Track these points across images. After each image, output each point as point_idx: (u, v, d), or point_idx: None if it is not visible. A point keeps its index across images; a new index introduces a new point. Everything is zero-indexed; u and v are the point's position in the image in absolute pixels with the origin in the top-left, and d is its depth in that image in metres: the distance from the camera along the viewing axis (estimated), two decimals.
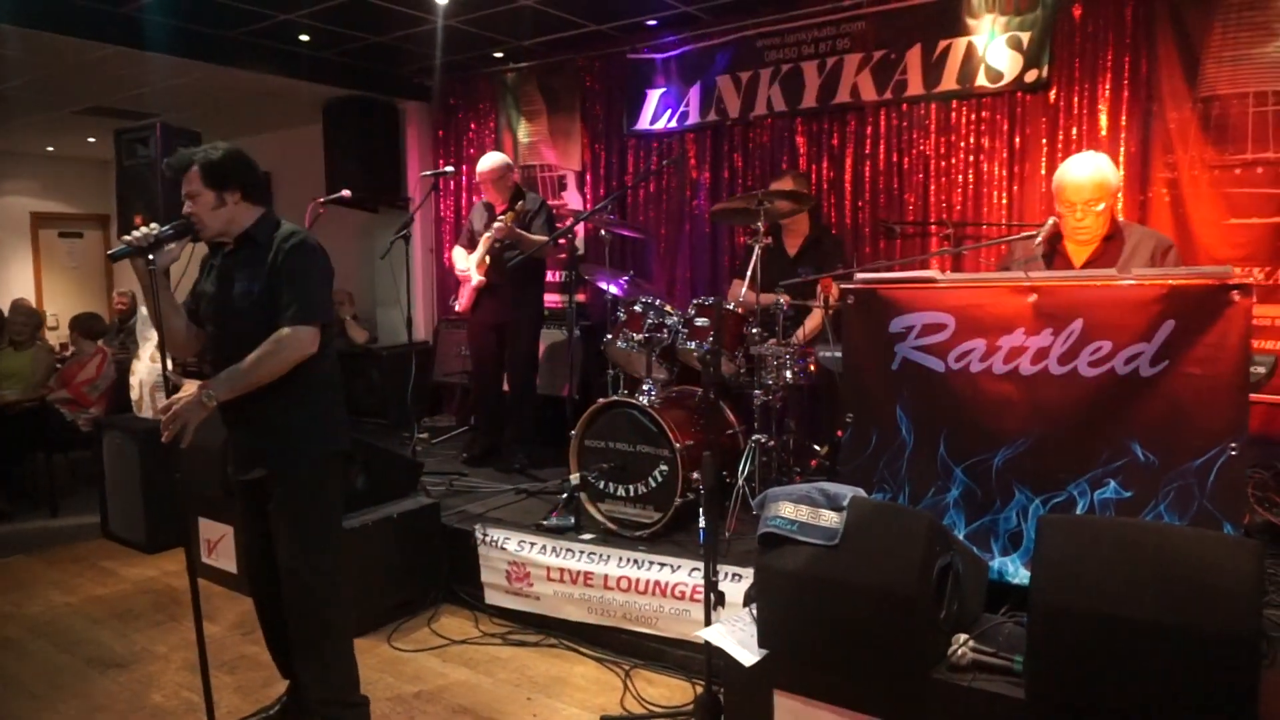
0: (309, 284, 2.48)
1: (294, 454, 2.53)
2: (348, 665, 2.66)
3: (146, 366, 4.74)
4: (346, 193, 4.57)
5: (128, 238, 2.37)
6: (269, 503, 2.55)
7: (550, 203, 6.04)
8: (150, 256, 2.36)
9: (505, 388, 4.90)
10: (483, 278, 4.59)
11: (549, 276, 6.04)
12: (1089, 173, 2.89)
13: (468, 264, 4.66)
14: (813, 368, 3.72)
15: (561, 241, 4.54)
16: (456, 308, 4.88)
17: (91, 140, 8.26)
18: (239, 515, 2.74)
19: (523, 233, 4.44)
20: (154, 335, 4.75)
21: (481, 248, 4.57)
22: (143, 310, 4.96)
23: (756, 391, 3.63)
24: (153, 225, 2.40)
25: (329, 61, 6.14)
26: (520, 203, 4.53)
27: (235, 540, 3.97)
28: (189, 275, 2.66)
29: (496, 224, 4.37)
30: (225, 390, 2.38)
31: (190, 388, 2.37)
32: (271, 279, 2.47)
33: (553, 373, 5.41)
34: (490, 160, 4.66)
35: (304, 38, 5.64)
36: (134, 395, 4.81)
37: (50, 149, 8.97)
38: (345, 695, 2.64)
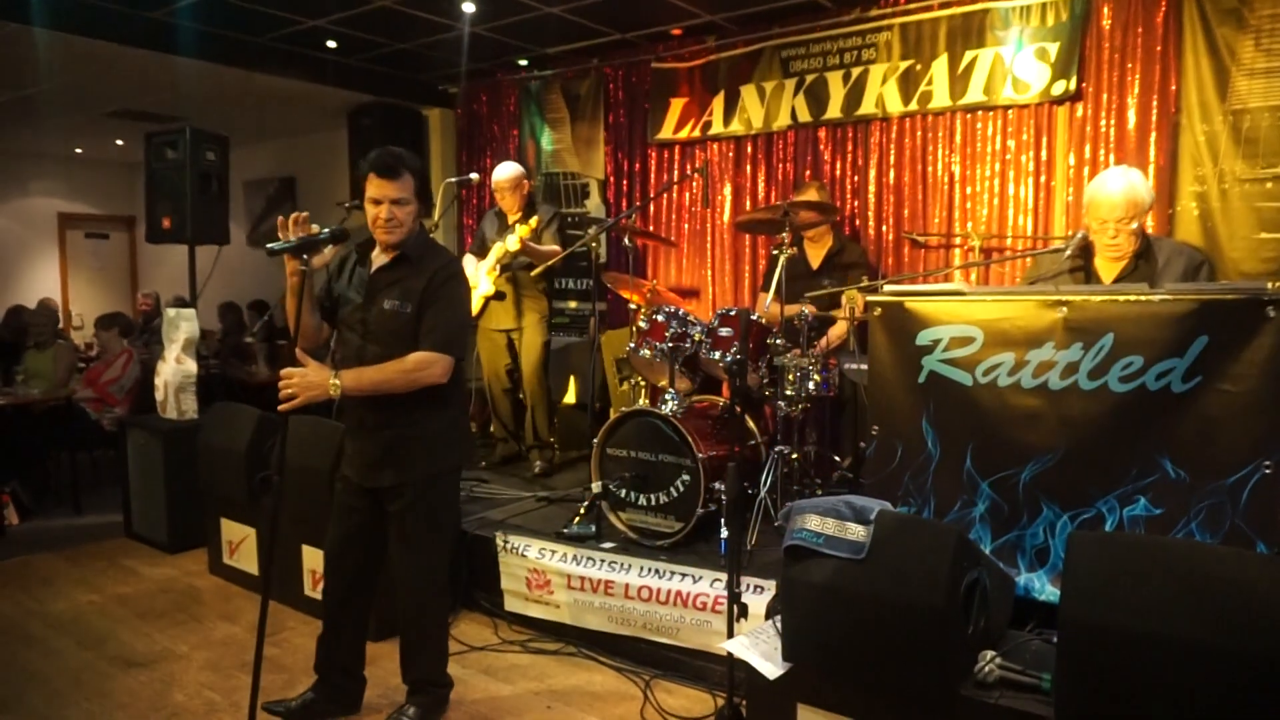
0: (455, 317, 2.62)
1: (421, 467, 2.63)
2: (445, 652, 2.89)
3: (171, 368, 4.78)
4: None
5: (286, 235, 2.46)
6: (387, 513, 2.67)
7: (572, 211, 6.07)
8: (304, 256, 2.45)
9: (520, 395, 4.92)
10: (492, 286, 4.62)
11: (568, 283, 6.07)
12: (1122, 190, 2.85)
13: (477, 271, 4.68)
14: (836, 379, 3.71)
15: (581, 249, 4.56)
16: None
17: (119, 142, 8.37)
18: (335, 512, 2.79)
19: (535, 246, 4.47)
20: (179, 337, 4.80)
21: (493, 257, 4.60)
22: (168, 312, 5.00)
23: (779, 402, 3.62)
24: (314, 226, 2.49)
25: (355, 68, 6.20)
26: (535, 217, 4.55)
27: (257, 542, 3.99)
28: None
29: (511, 238, 4.40)
30: (352, 385, 2.49)
31: (316, 369, 2.47)
32: (423, 300, 2.55)
33: (574, 380, 5.42)
34: (506, 170, 4.68)
35: (331, 44, 5.70)
36: (158, 396, 4.85)
37: (78, 151, 9.10)
38: (441, 677, 2.86)
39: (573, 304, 6.11)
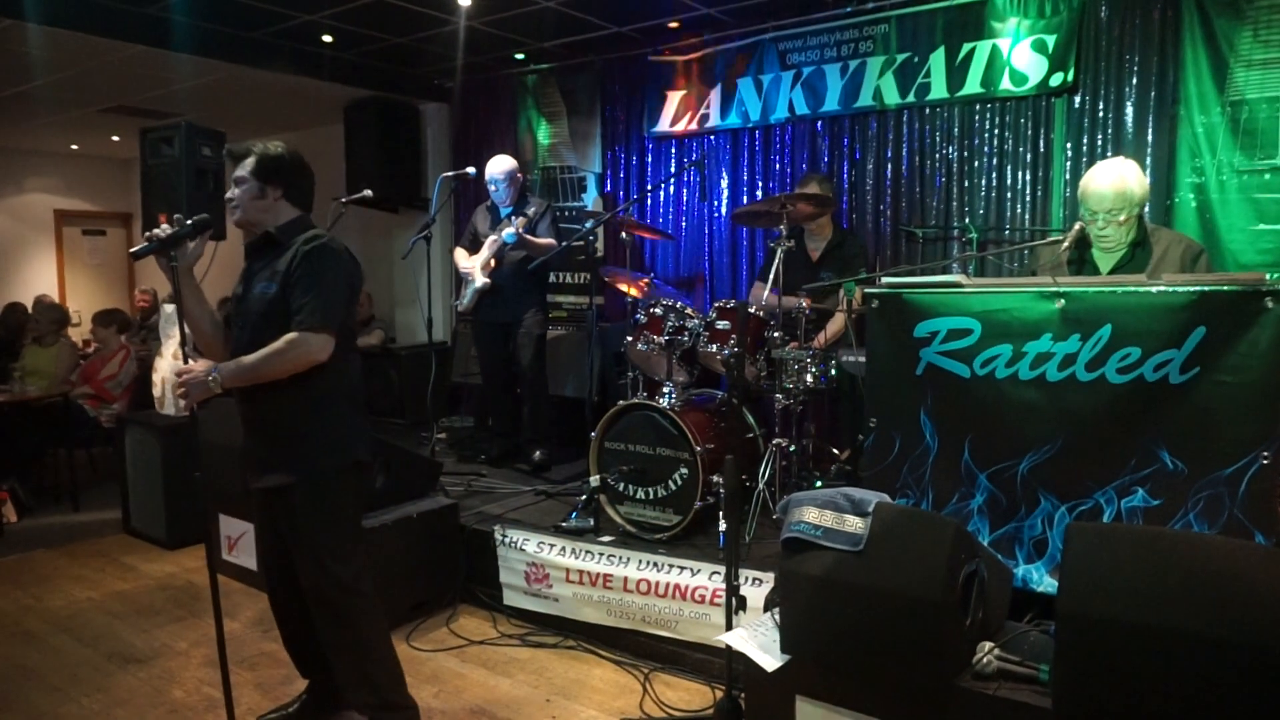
0: (324, 289, 2.45)
1: (307, 464, 2.48)
2: (389, 667, 2.64)
3: (169, 364, 4.77)
4: (368, 193, 4.59)
5: (150, 232, 2.38)
6: (283, 512, 2.52)
7: (569, 204, 6.07)
8: (172, 254, 2.37)
9: (517, 388, 4.92)
10: (487, 280, 4.62)
11: (565, 277, 6.07)
12: (1111, 182, 2.85)
13: (471, 265, 4.68)
14: (834, 372, 3.71)
15: (577, 243, 4.56)
16: (458, 308, 4.91)
17: (115, 138, 8.35)
18: (255, 519, 2.73)
19: (530, 238, 4.47)
20: (176, 333, 4.79)
21: (487, 250, 4.60)
22: (166, 308, 5.00)
23: (777, 395, 3.62)
24: (173, 220, 2.39)
25: (351, 62, 6.17)
26: (530, 209, 4.56)
27: (255, 538, 3.99)
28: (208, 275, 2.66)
29: (508, 231, 4.39)
30: (230, 378, 2.40)
31: (200, 365, 2.40)
32: (287, 279, 2.45)
33: (570, 374, 5.41)
34: (501, 162, 4.70)
35: (326, 39, 5.68)
36: (156, 392, 4.84)
37: (74, 147, 9.07)
38: (391, 697, 2.61)
39: (574, 299, 6.10)
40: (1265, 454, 2.22)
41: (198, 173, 5.10)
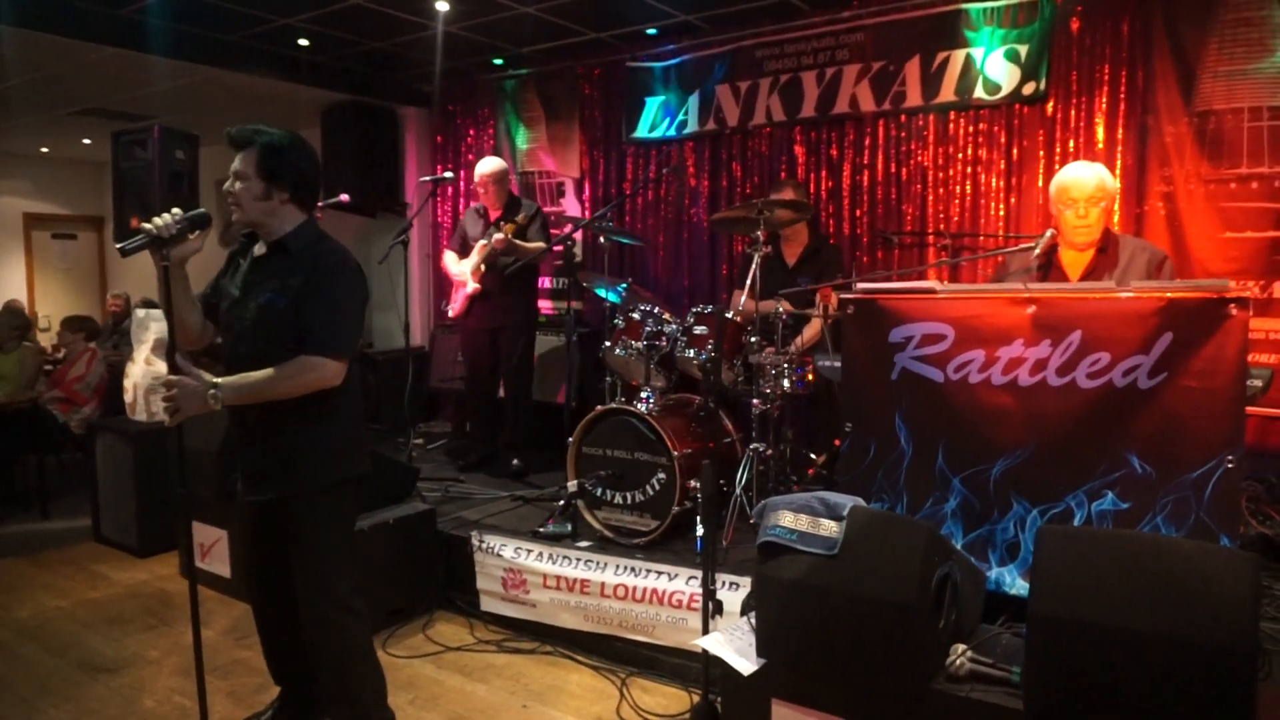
0: (342, 313, 2.35)
1: (308, 480, 2.41)
2: (374, 681, 2.60)
3: (140, 369, 4.72)
4: (345, 198, 4.56)
5: (145, 225, 2.24)
6: (281, 525, 2.46)
7: (548, 210, 6.07)
8: (164, 250, 2.24)
9: (500, 393, 4.91)
10: (478, 284, 4.61)
11: (545, 282, 6.06)
12: (1092, 171, 2.96)
13: (461, 269, 4.67)
14: (810, 377, 3.73)
15: (557, 248, 4.57)
16: (449, 313, 4.89)
17: (87, 141, 8.24)
18: (241, 529, 2.65)
19: (521, 243, 4.47)
20: (148, 338, 4.74)
21: (477, 255, 4.59)
22: (138, 313, 4.94)
23: (754, 400, 3.64)
24: (169, 214, 2.25)
25: (328, 66, 6.14)
26: (521, 214, 4.56)
27: (230, 545, 3.95)
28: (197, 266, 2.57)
29: (497, 235, 4.39)
30: (233, 397, 2.29)
31: (196, 378, 2.27)
32: (301, 297, 2.31)
33: (550, 379, 5.41)
34: (491, 164, 4.70)
35: (303, 42, 5.64)
36: (127, 398, 4.78)
37: (45, 150, 8.95)
38: (371, 712, 2.58)
39: (553, 303, 6.10)
40: (1230, 457, 2.27)
41: (171, 175, 5.06)
